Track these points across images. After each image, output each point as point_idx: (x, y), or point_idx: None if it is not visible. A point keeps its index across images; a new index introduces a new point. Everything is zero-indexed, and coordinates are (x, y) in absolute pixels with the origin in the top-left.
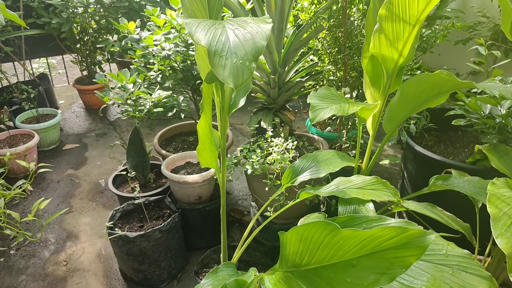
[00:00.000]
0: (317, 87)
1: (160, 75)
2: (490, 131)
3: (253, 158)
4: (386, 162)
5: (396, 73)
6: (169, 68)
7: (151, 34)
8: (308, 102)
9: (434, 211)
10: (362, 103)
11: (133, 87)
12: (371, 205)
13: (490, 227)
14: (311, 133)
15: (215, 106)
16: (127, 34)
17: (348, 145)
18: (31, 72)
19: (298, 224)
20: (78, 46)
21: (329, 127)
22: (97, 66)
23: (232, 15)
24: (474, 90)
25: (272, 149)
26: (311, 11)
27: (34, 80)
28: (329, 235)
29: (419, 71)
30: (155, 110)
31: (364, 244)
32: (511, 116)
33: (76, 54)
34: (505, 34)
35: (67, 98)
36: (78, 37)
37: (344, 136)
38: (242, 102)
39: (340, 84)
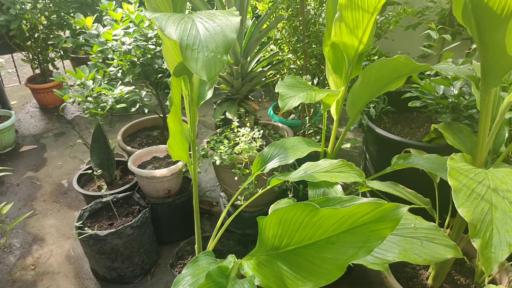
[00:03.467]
0: (278, 76)
1: (120, 71)
2: (444, 111)
3: (221, 149)
4: (347, 145)
5: (356, 59)
6: (128, 63)
7: (110, 29)
8: (276, 91)
9: (396, 189)
10: (328, 90)
11: (93, 84)
12: (339, 187)
13: (448, 201)
14: (274, 122)
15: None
16: (84, 30)
17: (311, 131)
18: None
19: (270, 210)
20: (28, 43)
21: (292, 115)
22: (50, 64)
23: (191, 8)
24: (428, 72)
25: (239, 139)
26: (269, 1)
27: None
28: (309, 215)
29: (376, 57)
30: (117, 106)
31: (343, 221)
32: (462, 96)
33: (26, 52)
34: (457, 19)
35: (20, 98)
36: (28, 34)
37: (307, 123)
38: (209, 94)
39: (300, 72)
